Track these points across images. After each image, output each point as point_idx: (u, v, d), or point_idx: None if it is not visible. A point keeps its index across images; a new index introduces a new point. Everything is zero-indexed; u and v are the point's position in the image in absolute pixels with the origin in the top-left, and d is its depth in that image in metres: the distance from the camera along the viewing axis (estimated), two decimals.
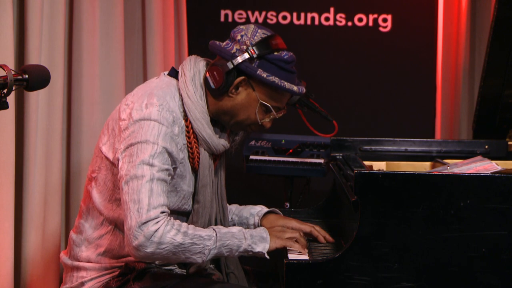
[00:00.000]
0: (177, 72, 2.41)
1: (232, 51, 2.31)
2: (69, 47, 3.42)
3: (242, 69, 2.30)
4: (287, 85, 2.31)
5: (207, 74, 2.33)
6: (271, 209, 2.61)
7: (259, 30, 2.34)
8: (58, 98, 3.22)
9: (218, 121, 2.42)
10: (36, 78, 2.03)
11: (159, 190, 2.21)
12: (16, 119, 3.04)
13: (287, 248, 2.33)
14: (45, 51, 3.16)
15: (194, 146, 2.35)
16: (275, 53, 2.31)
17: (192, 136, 2.35)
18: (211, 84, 2.33)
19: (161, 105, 2.28)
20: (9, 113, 2.93)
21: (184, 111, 2.34)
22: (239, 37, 2.32)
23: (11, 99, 2.14)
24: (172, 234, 2.18)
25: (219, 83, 2.31)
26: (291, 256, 2.30)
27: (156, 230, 2.16)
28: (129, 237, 2.17)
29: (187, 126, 2.34)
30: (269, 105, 2.35)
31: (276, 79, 2.30)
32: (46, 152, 3.18)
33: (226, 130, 2.46)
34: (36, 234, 3.13)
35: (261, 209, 2.60)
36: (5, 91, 1.96)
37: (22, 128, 3.11)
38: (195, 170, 2.39)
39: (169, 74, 2.43)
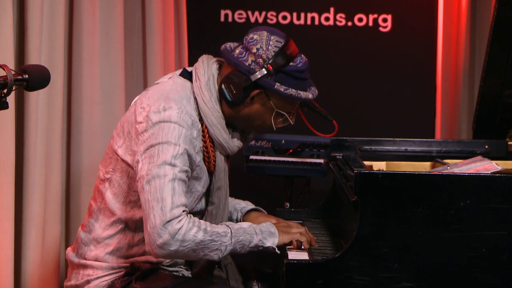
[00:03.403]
0: (190, 73, 2.41)
1: (247, 63, 2.31)
2: (69, 47, 3.42)
3: (259, 84, 2.32)
4: (303, 94, 2.34)
5: (223, 86, 2.33)
6: (255, 207, 2.63)
7: (272, 38, 2.33)
8: (58, 98, 3.22)
9: (231, 122, 2.43)
10: (36, 78, 2.03)
11: (180, 190, 2.22)
12: (16, 119, 3.04)
13: (287, 247, 2.34)
14: (45, 51, 3.16)
15: (210, 150, 2.37)
16: (291, 64, 2.33)
17: (208, 140, 2.36)
18: (227, 96, 2.33)
19: (180, 108, 2.28)
20: (9, 113, 2.93)
21: (200, 114, 2.35)
22: (254, 50, 2.31)
23: (11, 99, 2.14)
24: (194, 231, 2.20)
25: (236, 96, 2.32)
26: (291, 255, 2.30)
27: (180, 228, 2.18)
28: (152, 236, 2.18)
29: (203, 131, 2.35)
30: (284, 113, 2.38)
31: (293, 91, 2.32)
32: (46, 152, 3.18)
33: (238, 129, 2.47)
34: (36, 234, 3.13)
35: (246, 205, 2.63)
36: (5, 91, 1.96)
37: (22, 128, 3.11)
38: (210, 173, 2.40)
39: (181, 75, 2.43)
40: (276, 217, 2.58)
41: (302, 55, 2.37)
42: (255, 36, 2.34)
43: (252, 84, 2.31)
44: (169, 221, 2.17)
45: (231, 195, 2.60)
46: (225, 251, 2.25)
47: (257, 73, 2.30)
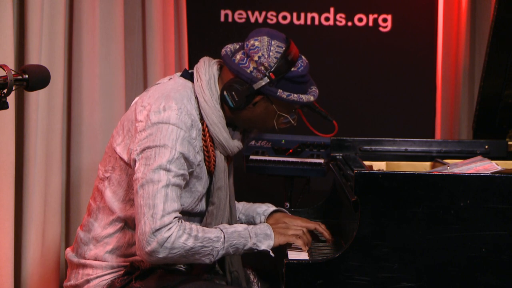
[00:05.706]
0: (191, 74, 2.42)
1: (249, 70, 2.32)
2: (69, 47, 3.42)
3: (262, 91, 2.33)
4: (304, 98, 2.36)
5: (225, 93, 2.33)
6: (277, 208, 2.63)
7: (273, 43, 2.33)
8: (58, 98, 3.23)
9: (231, 122, 2.43)
10: (36, 78, 2.03)
11: (173, 195, 2.23)
12: (16, 119, 3.04)
13: (287, 247, 2.34)
14: (45, 51, 3.16)
15: (210, 150, 2.37)
16: (292, 69, 2.33)
17: (208, 140, 2.36)
18: (230, 103, 2.34)
19: (180, 108, 2.28)
20: (9, 113, 2.93)
21: (200, 113, 2.35)
22: (256, 58, 2.31)
23: (11, 99, 2.14)
24: (184, 239, 2.20)
25: (238, 103, 2.33)
26: (291, 255, 2.30)
27: (169, 237, 2.19)
28: (141, 242, 2.19)
29: (203, 130, 2.35)
30: (287, 115, 2.39)
31: (295, 97, 2.34)
32: (46, 152, 3.18)
33: (239, 129, 2.48)
34: (36, 234, 3.13)
35: (267, 208, 2.62)
36: (5, 91, 1.96)
37: (22, 128, 3.11)
38: (210, 173, 2.40)
39: (182, 76, 2.43)
40: (301, 217, 2.56)
41: (302, 57, 2.38)
42: (256, 43, 2.33)
43: (254, 91, 2.32)
44: (158, 229, 2.18)
45: None
46: (217, 255, 2.27)
47: (259, 81, 2.31)
